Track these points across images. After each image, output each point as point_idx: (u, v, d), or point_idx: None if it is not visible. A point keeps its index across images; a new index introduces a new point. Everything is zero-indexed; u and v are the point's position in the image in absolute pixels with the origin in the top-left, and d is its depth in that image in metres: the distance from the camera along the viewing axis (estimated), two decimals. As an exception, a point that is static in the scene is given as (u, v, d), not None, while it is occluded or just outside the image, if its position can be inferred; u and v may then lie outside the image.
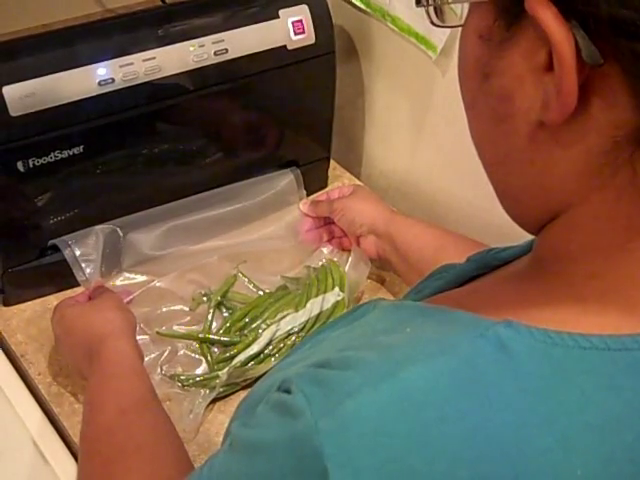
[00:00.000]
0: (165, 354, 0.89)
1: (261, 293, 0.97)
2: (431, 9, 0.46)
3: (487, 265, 0.54)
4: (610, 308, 0.39)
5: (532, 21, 0.35)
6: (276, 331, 0.88)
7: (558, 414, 0.36)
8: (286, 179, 1.09)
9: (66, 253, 0.92)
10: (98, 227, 0.95)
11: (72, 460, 0.80)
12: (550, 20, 0.34)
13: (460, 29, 0.43)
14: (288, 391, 0.40)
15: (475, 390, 0.36)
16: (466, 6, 0.42)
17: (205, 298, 0.95)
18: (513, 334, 0.37)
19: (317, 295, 0.92)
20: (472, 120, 0.44)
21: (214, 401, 0.85)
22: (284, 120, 1.03)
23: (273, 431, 0.40)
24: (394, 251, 0.94)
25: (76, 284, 0.95)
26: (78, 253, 0.93)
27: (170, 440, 0.70)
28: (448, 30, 0.94)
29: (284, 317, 0.90)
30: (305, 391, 0.38)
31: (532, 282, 0.44)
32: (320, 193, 1.09)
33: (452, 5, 0.43)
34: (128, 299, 0.92)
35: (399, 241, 0.93)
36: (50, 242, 0.93)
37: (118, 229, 0.96)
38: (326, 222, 1.06)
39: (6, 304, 0.95)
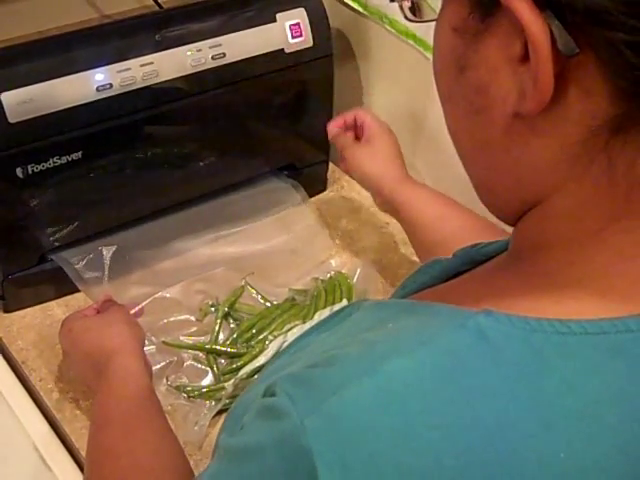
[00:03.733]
0: (171, 365, 0.88)
1: (268, 305, 0.97)
2: (405, 4, 0.46)
3: (472, 260, 0.54)
4: (587, 294, 0.39)
5: (506, 13, 0.35)
6: (283, 343, 0.88)
7: (539, 399, 0.36)
8: (284, 183, 1.09)
9: (68, 270, 0.93)
10: (101, 243, 0.95)
11: (74, 466, 0.80)
12: (525, 11, 0.34)
13: None
14: (273, 395, 0.40)
15: (457, 379, 0.37)
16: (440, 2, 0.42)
17: (213, 309, 0.95)
18: (492, 323, 0.38)
19: (325, 307, 0.92)
20: (448, 113, 0.44)
21: (220, 412, 0.85)
22: (282, 123, 1.03)
23: (260, 435, 0.40)
24: (399, 219, 0.92)
25: (77, 290, 0.94)
26: (82, 273, 0.94)
27: (174, 463, 0.69)
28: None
29: (291, 329, 0.90)
30: (289, 392, 0.39)
31: (510, 272, 0.44)
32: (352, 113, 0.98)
33: (429, 0, 0.43)
34: (135, 310, 0.91)
35: (402, 213, 0.90)
36: (50, 257, 0.93)
37: (121, 244, 0.97)
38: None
39: (6, 310, 0.95)
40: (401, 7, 0.46)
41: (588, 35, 0.34)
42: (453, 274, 0.55)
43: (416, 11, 0.46)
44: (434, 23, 0.49)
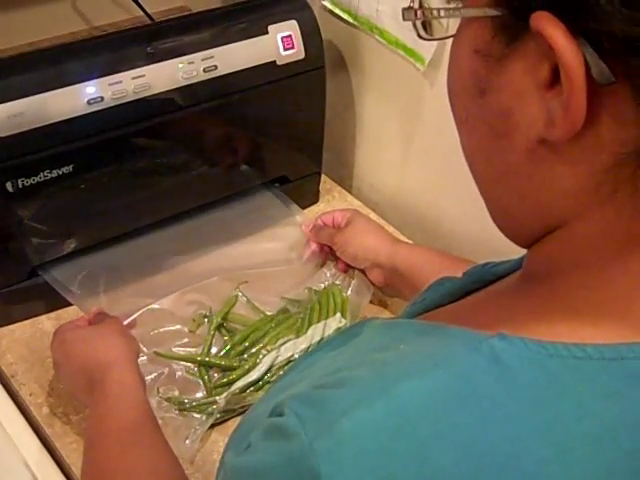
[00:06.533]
0: (163, 376, 0.88)
1: (262, 315, 0.96)
2: (418, 22, 0.45)
3: (482, 279, 0.54)
4: (604, 319, 0.38)
5: (534, 37, 0.34)
6: (276, 357, 0.87)
7: (555, 424, 0.36)
8: (277, 195, 1.09)
9: (59, 286, 0.92)
10: (93, 257, 0.95)
11: (64, 480, 0.79)
12: (559, 38, 0.33)
13: (447, 40, 0.42)
14: (281, 414, 0.39)
15: (470, 404, 0.36)
16: (452, 19, 0.41)
17: (206, 319, 0.94)
18: (507, 346, 0.37)
19: (319, 321, 0.92)
20: (465, 135, 0.43)
21: (212, 426, 0.84)
22: (274, 136, 1.03)
23: (268, 455, 0.39)
24: (401, 281, 0.93)
25: (67, 304, 0.94)
26: (74, 287, 0.93)
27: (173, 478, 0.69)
28: (436, 42, 0.94)
29: (284, 343, 0.89)
30: (298, 412, 0.38)
31: (525, 295, 0.44)
32: (317, 217, 1.07)
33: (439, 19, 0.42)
34: (127, 321, 0.90)
35: (405, 271, 0.92)
36: (40, 272, 0.93)
37: (113, 258, 0.96)
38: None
39: (-4, 325, 0.94)
40: (414, 25, 0.45)
41: (624, 64, 0.33)
42: (463, 293, 0.54)
43: (427, 29, 0.46)
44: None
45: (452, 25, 0.42)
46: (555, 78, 0.35)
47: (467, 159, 0.44)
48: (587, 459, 0.35)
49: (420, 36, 0.46)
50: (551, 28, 0.33)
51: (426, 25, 0.46)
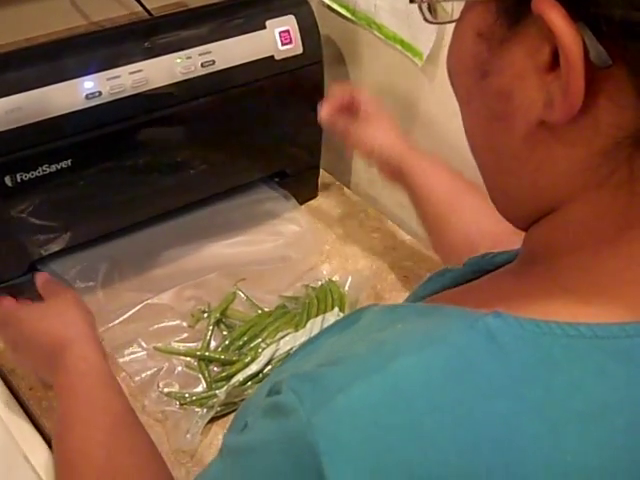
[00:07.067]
0: (162, 371, 0.88)
1: (260, 311, 0.96)
2: (424, 6, 0.46)
3: (482, 269, 0.54)
4: (598, 299, 0.39)
5: (535, 20, 0.35)
6: (276, 351, 0.88)
7: (547, 401, 0.36)
8: (275, 190, 1.09)
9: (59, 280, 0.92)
10: (92, 252, 0.96)
11: (64, 475, 0.80)
12: (559, 22, 0.34)
13: (445, 36, 0.43)
14: (279, 392, 0.40)
15: (465, 379, 0.37)
16: (457, 3, 0.42)
17: (205, 314, 0.95)
18: (502, 324, 0.38)
19: (317, 315, 0.92)
20: (466, 116, 0.44)
21: (212, 420, 0.85)
22: (273, 131, 1.03)
23: (266, 432, 0.40)
24: (404, 185, 0.91)
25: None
26: (73, 282, 0.94)
27: (150, 460, 0.67)
28: (434, 37, 0.94)
29: (284, 337, 0.89)
30: (295, 389, 0.39)
31: (521, 276, 0.45)
32: (340, 91, 0.97)
33: (444, 3, 0.43)
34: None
35: (407, 177, 0.90)
36: (39, 267, 0.93)
37: (113, 252, 0.97)
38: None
39: (-5, 320, 0.94)
40: (420, 8, 0.46)
41: (622, 47, 0.34)
42: (464, 282, 0.55)
43: (432, 13, 0.46)
44: (427, 28, 0.49)
45: (456, 9, 0.43)
46: (555, 61, 0.36)
47: (468, 140, 0.45)
48: (579, 435, 0.36)
49: (426, 19, 0.47)
50: (552, 12, 0.34)
51: (431, 9, 0.47)
